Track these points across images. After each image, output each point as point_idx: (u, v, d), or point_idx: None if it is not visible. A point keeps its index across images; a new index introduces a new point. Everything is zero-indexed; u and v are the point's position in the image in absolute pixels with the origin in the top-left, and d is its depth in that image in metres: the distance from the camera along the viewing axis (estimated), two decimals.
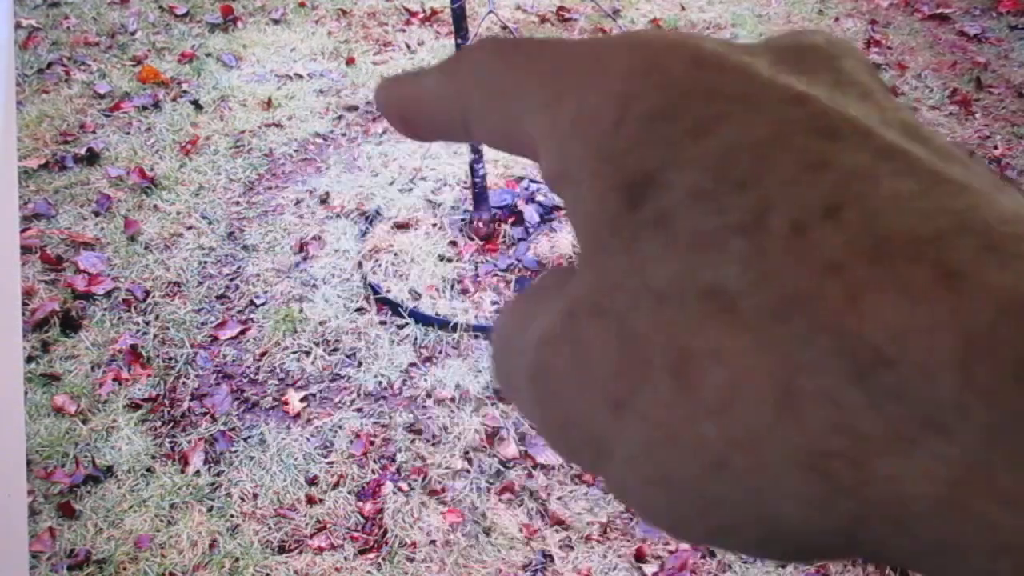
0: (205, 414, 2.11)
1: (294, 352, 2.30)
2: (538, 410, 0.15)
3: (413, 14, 4.23)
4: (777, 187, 0.13)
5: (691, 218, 0.13)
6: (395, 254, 2.55)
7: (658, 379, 0.13)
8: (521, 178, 2.96)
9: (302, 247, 2.64)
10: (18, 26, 3.73)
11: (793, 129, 0.14)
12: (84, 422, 2.06)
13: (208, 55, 3.69)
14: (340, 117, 3.38)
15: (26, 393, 2.15)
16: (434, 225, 2.67)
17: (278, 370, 2.25)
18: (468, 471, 2.01)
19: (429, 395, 2.19)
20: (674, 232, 0.14)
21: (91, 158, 2.95)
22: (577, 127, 0.15)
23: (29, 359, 2.22)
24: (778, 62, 0.15)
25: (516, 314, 0.17)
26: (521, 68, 0.17)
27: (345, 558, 1.81)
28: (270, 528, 1.86)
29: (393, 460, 2.03)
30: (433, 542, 1.85)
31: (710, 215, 0.13)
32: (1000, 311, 0.11)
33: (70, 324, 2.30)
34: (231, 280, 2.53)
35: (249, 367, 2.25)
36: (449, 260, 2.53)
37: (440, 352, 2.31)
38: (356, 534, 1.86)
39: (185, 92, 3.39)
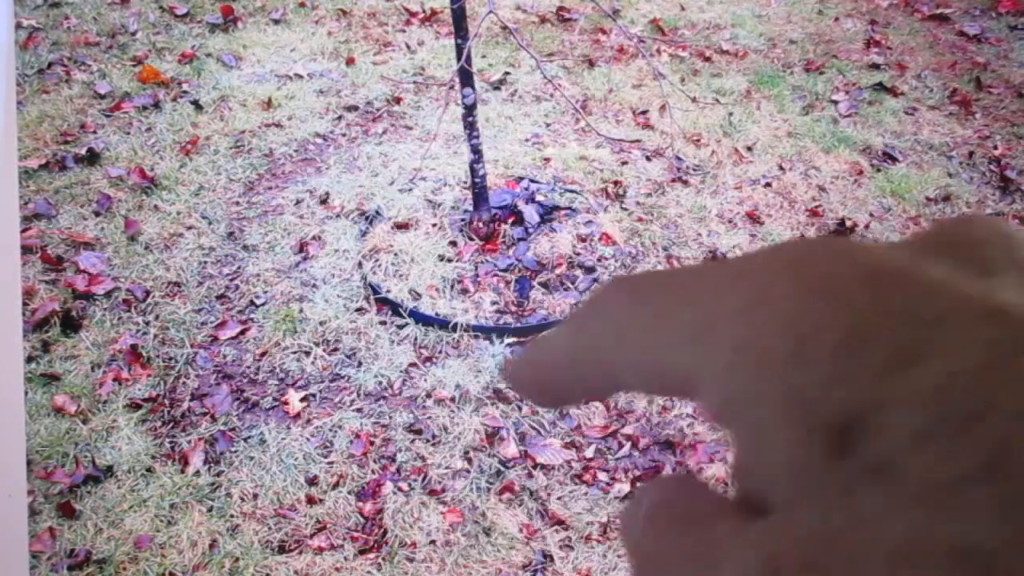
0: (205, 414, 2.11)
1: (294, 352, 2.30)
2: None
3: (413, 14, 4.23)
4: (1009, 422, 0.12)
5: (918, 465, 0.12)
6: (395, 254, 2.55)
7: None
8: (521, 178, 2.96)
9: (302, 247, 2.64)
10: (18, 26, 3.73)
11: (1006, 350, 0.13)
12: (84, 422, 2.06)
13: (208, 55, 3.69)
14: (340, 117, 3.38)
15: (26, 393, 2.15)
16: (434, 225, 2.67)
17: (278, 370, 2.25)
18: (468, 471, 2.01)
19: (429, 395, 2.19)
20: (900, 482, 0.12)
21: (91, 158, 2.95)
22: (743, 359, 0.14)
23: (29, 359, 2.22)
24: (958, 266, 0.14)
25: (658, 536, 0.16)
26: (654, 304, 0.16)
27: (345, 558, 1.81)
28: (270, 528, 1.86)
29: (393, 460, 2.03)
30: (433, 542, 1.85)
31: (939, 461, 0.12)
32: None
33: (70, 324, 2.31)
34: (231, 280, 2.53)
35: (249, 367, 2.25)
36: (449, 260, 2.53)
37: (440, 352, 2.31)
38: (356, 534, 1.86)
39: (185, 92, 3.39)
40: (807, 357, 0.13)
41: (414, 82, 3.63)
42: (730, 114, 3.52)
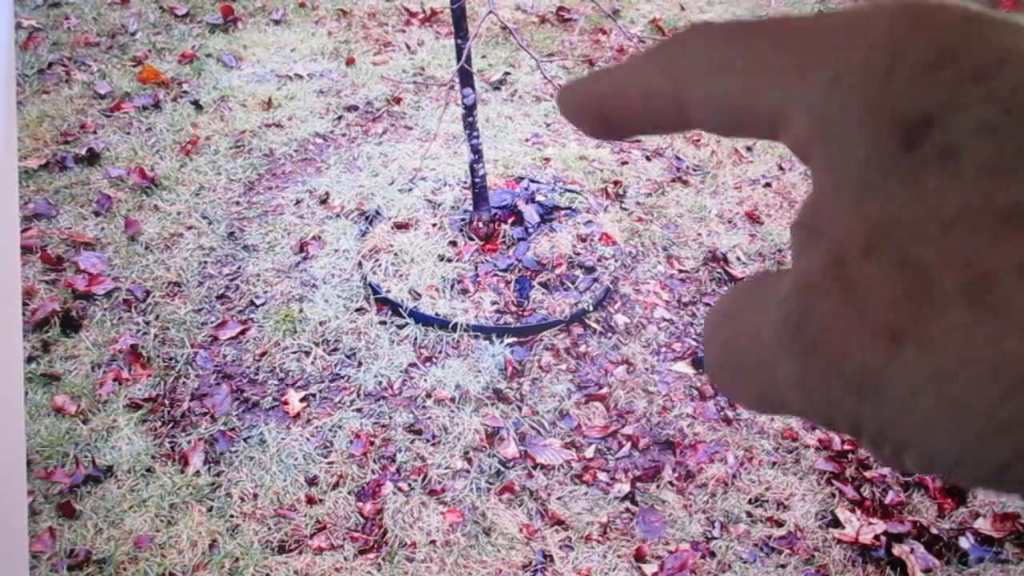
0: (205, 414, 2.11)
1: (294, 352, 2.30)
2: (792, 365, 0.15)
3: (413, 14, 4.23)
4: None
5: (980, 149, 0.14)
6: (395, 254, 2.55)
7: (948, 303, 0.13)
8: (521, 178, 2.96)
9: (302, 247, 2.64)
10: (19, 26, 3.74)
11: None
12: (84, 422, 2.06)
13: (208, 55, 3.69)
14: (340, 117, 3.38)
15: (26, 393, 2.15)
16: (434, 225, 2.67)
17: (278, 370, 2.25)
18: (468, 471, 2.01)
19: (429, 395, 2.19)
20: (961, 163, 0.14)
21: (91, 158, 2.95)
22: (838, 85, 0.16)
23: (29, 359, 2.22)
24: None
25: (736, 296, 0.17)
26: (749, 45, 0.17)
27: (345, 558, 1.81)
28: (270, 528, 1.86)
29: (393, 460, 2.03)
30: (433, 542, 1.85)
31: (1002, 143, 0.14)
32: None
33: (70, 324, 2.31)
34: (231, 280, 2.53)
35: (249, 367, 2.25)
36: (449, 260, 2.53)
37: (440, 352, 2.31)
38: (356, 534, 1.86)
39: (185, 92, 3.39)
40: (898, 73, 0.15)
41: (414, 82, 3.63)
42: None
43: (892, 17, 0.16)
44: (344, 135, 3.28)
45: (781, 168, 3.23)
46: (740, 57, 0.17)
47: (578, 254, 2.60)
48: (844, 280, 0.14)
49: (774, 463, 2.09)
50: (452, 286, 2.46)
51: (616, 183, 3.04)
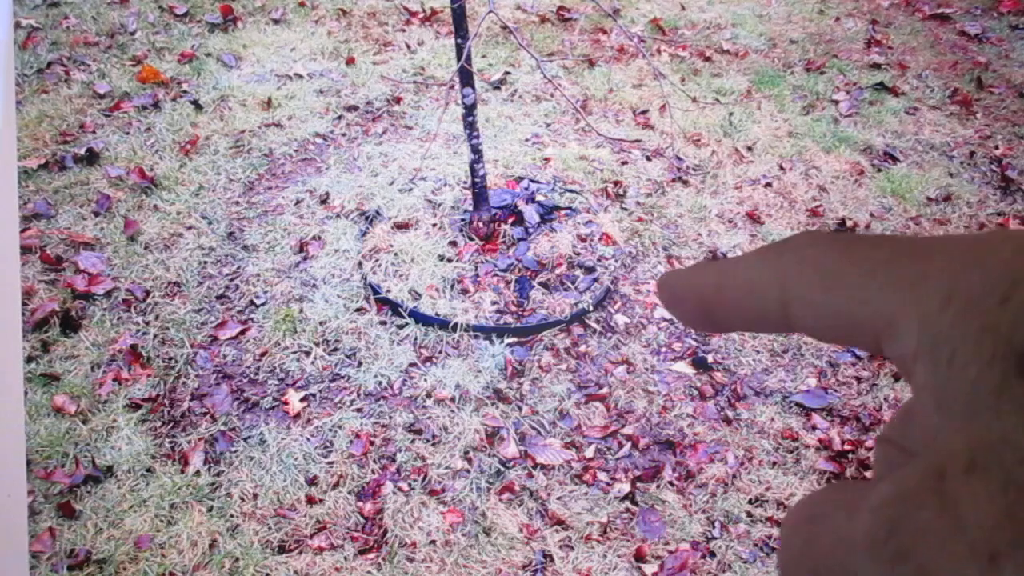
0: (205, 414, 2.11)
1: (294, 352, 2.29)
2: (880, 571, 0.15)
3: (413, 14, 4.23)
4: None
5: None
6: (395, 254, 2.55)
7: None
8: (521, 178, 2.96)
9: (302, 247, 2.64)
10: (18, 26, 3.73)
11: None
12: (84, 422, 2.06)
13: (208, 55, 3.69)
14: (340, 117, 3.38)
15: (26, 393, 2.15)
16: (434, 225, 2.67)
17: (278, 370, 2.25)
18: (468, 471, 2.01)
19: (429, 395, 2.19)
20: None
21: (91, 158, 2.95)
22: (951, 304, 0.16)
23: (29, 359, 2.22)
24: None
25: (820, 499, 0.18)
26: (862, 256, 0.18)
27: (345, 558, 1.81)
28: (270, 528, 1.86)
29: (393, 460, 2.03)
30: (433, 542, 1.85)
31: None
32: None
33: (70, 324, 2.30)
34: (231, 280, 2.53)
35: (249, 367, 2.25)
36: (449, 260, 2.53)
37: (440, 352, 2.31)
38: (356, 534, 1.86)
39: (185, 92, 3.39)
40: (1014, 301, 0.15)
41: (414, 82, 3.62)
42: (730, 114, 3.52)
43: (1012, 249, 0.16)
44: (344, 135, 3.28)
45: (782, 168, 3.23)
46: (851, 266, 0.18)
47: (578, 254, 2.60)
48: (943, 494, 0.15)
49: (774, 463, 2.09)
50: (452, 286, 2.46)
51: (616, 183, 3.04)
